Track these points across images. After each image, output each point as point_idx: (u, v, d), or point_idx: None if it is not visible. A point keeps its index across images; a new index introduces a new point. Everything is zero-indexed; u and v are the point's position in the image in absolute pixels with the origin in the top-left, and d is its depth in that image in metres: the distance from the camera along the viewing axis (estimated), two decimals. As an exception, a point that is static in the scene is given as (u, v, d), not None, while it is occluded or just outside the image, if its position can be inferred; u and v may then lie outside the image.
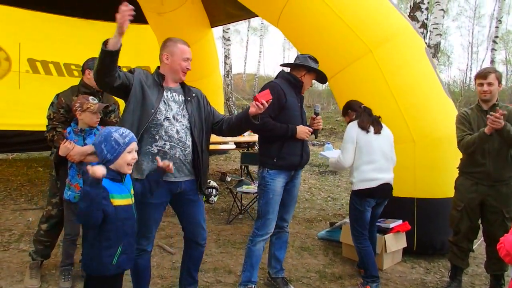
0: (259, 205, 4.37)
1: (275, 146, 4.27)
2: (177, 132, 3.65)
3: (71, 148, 4.08)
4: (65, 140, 4.15)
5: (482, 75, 4.47)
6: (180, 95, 3.83)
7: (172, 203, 3.90)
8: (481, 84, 4.45)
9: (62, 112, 4.45)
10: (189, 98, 3.84)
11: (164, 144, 3.62)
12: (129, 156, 2.95)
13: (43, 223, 4.56)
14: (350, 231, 4.74)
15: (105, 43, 3.21)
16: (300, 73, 4.43)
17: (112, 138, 2.89)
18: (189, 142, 3.74)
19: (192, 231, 4.01)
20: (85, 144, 4.25)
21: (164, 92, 3.71)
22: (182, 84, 3.92)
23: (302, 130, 4.24)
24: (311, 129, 4.33)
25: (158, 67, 3.85)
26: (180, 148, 3.68)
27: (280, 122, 4.21)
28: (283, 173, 4.30)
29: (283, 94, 4.24)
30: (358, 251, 4.70)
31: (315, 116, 4.48)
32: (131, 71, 3.66)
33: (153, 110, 3.56)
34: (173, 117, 3.67)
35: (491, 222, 4.50)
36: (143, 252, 3.76)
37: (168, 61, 3.76)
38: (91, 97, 4.27)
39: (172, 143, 3.64)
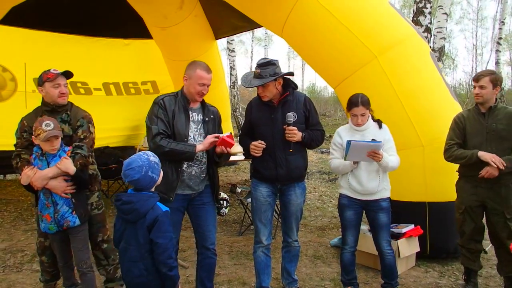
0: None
1: (253, 158, 4.45)
2: None
3: (32, 175, 3.76)
4: (26, 166, 3.85)
5: (475, 78, 4.57)
6: (199, 115, 4.06)
7: (187, 207, 4.11)
8: (474, 87, 4.54)
9: (26, 136, 4.06)
10: (207, 119, 4.06)
11: (182, 162, 3.89)
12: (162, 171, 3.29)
13: (41, 255, 4.31)
14: (384, 238, 4.47)
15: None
16: None
17: (153, 163, 3.14)
18: (205, 159, 4.01)
19: (201, 234, 4.16)
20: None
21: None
22: (202, 104, 4.12)
23: (251, 147, 4.24)
24: (260, 144, 4.17)
25: (182, 88, 4.06)
26: (197, 166, 3.97)
27: (252, 137, 4.32)
28: (264, 184, 4.38)
29: (250, 110, 4.45)
30: (392, 258, 4.49)
31: (285, 126, 4.18)
32: (161, 104, 3.89)
33: (186, 139, 3.88)
34: (193, 137, 3.93)
35: (494, 224, 4.53)
36: None
37: (186, 83, 3.98)
38: (46, 121, 3.78)
39: (189, 162, 3.91)
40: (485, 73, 4.53)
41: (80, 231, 4.01)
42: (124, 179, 3.13)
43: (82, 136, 4.15)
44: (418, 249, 5.44)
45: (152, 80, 10.60)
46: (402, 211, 5.34)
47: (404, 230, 5.27)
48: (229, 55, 20.85)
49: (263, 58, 4.31)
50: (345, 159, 4.32)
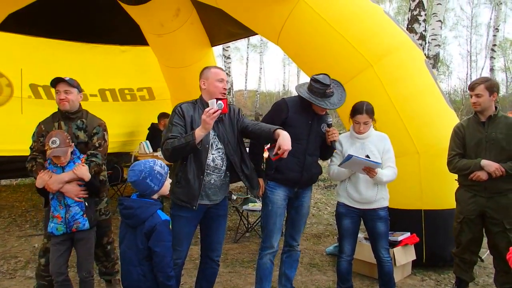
0: (261, 217, 4.48)
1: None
2: (213, 160, 3.81)
3: (47, 178, 3.88)
4: (42, 170, 3.97)
5: (470, 87, 4.55)
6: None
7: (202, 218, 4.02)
8: (471, 96, 4.51)
9: (42, 141, 4.18)
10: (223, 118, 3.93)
11: (204, 170, 3.77)
12: (168, 181, 3.34)
13: (41, 257, 4.32)
14: (383, 246, 4.47)
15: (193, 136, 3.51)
16: None
17: (155, 172, 3.21)
18: (224, 167, 3.89)
19: (209, 245, 4.11)
20: None
21: None
22: None
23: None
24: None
25: (201, 96, 3.97)
26: (216, 175, 3.85)
27: None
28: (283, 187, 4.31)
29: (286, 109, 4.28)
30: (391, 266, 4.50)
31: (328, 128, 4.35)
32: (178, 112, 3.80)
33: (207, 145, 3.75)
34: (210, 144, 3.80)
35: (493, 234, 4.48)
36: (174, 265, 3.75)
37: (205, 86, 3.91)
38: (53, 138, 3.86)
39: (208, 171, 3.79)
40: (479, 81, 4.49)
41: (88, 238, 4.08)
42: (127, 179, 3.24)
43: (97, 144, 4.33)
44: (414, 257, 5.43)
45: (148, 86, 10.57)
46: (398, 218, 5.32)
47: (400, 238, 5.26)
48: (224, 61, 20.83)
49: (324, 74, 4.27)
50: (339, 165, 4.35)
